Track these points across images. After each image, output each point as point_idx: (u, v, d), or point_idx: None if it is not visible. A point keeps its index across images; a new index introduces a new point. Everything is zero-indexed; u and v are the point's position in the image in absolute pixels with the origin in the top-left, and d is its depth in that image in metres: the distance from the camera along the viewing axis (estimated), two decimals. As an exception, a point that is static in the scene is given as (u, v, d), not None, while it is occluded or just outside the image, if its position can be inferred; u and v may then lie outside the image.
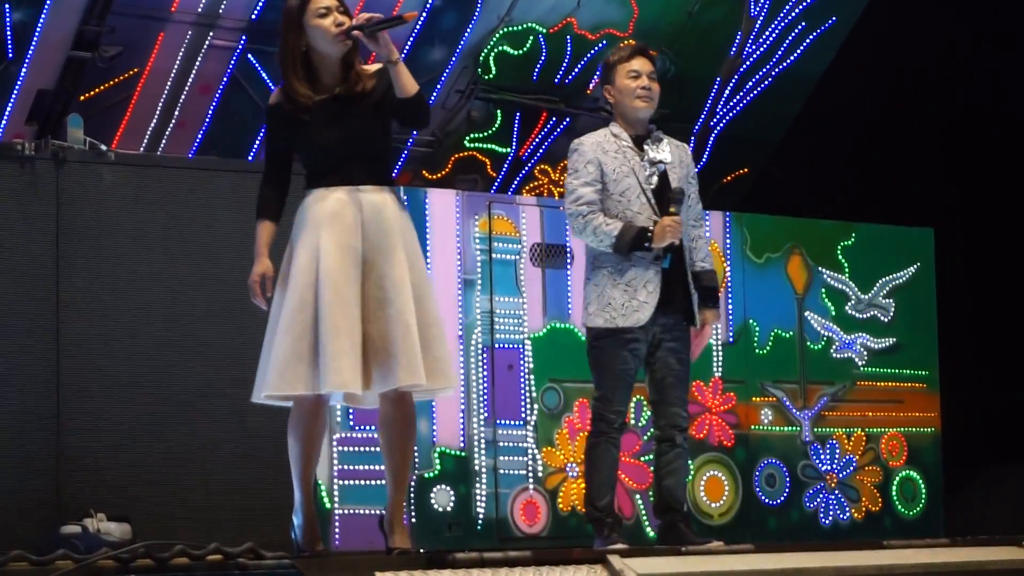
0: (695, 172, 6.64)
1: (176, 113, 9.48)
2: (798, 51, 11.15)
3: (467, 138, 10.50)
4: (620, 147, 6.43)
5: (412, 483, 8.10)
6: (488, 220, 8.76)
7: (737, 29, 10.98)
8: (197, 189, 7.18)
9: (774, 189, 11.06)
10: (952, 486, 9.94)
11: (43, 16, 8.84)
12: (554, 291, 8.82)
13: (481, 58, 10.33)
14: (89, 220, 6.97)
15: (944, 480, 9.90)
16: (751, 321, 9.43)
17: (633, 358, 6.36)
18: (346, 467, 8.17)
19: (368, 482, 8.15)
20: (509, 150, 10.62)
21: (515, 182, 10.67)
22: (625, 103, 6.47)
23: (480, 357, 8.59)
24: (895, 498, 9.75)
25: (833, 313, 9.70)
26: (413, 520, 8.24)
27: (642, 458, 8.87)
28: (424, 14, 9.82)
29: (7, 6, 8.75)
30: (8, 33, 8.79)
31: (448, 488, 8.48)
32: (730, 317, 9.37)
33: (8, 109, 8.91)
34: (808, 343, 9.60)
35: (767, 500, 9.35)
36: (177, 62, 9.39)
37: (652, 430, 6.61)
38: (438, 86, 10.15)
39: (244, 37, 9.53)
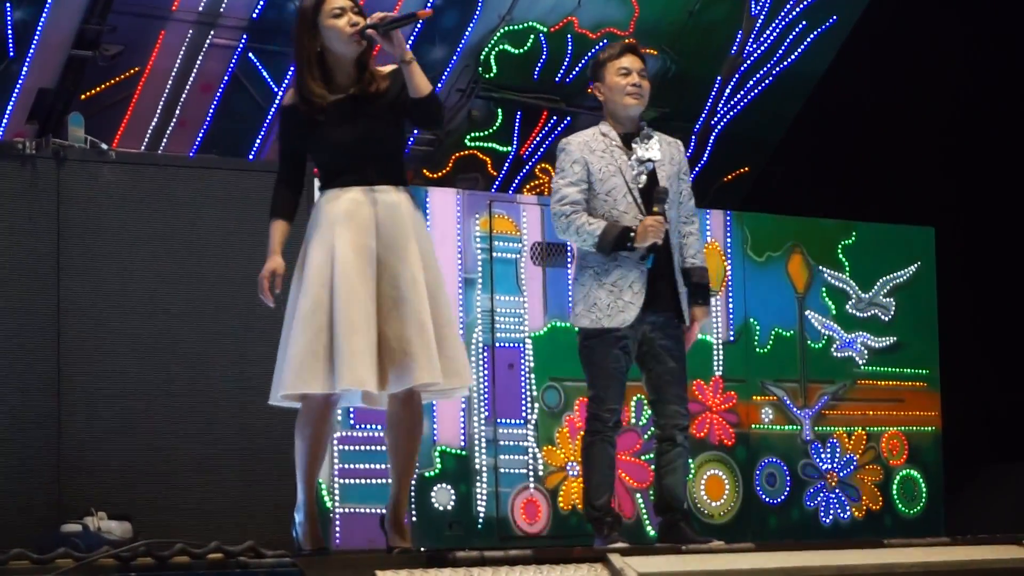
0: (688, 168, 6.61)
1: (177, 112, 9.48)
2: (799, 50, 11.15)
3: (468, 137, 10.50)
4: (608, 146, 6.42)
5: (413, 482, 8.11)
6: (489, 219, 8.77)
7: (738, 28, 10.98)
8: (198, 188, 7.17)
9: (775, 188, 11.06)
10: (953, 485, 9.95)
11: (44, 15, 8.85)
12: (555, 290, 8.83)
13: (482, 57, 10.33)
14: (90, 219, 6.96)
15: (945, 479, 9.91)
16: (752, 320, 9.43)
17: (624, 355, 6.35)
18: (347, 466, 8.18)
19: (369, 481, 8.16)
20: (510, 149, 10.62)
21: (516, 181, 10.67)
22: (615, 100, 6.46)
23: (481, 356, 8.60)
24: (896, 497, 9.75)
25: (834, 312, 9.71)
26: (414, 519, 8.25)
27: (642, 457, 8.88)
28: (422, 11, 9.81)
29: (8, 5, 8.75)
30: (9, 32, 8.80)
31: (449, 487, 8.49)
32: (731, 316, 9.37)
33: (9, 108, 8.92)
34: (809, 342, 9.61)
35: (768, 499, 9.36)
36: (178, 61, 9.39)
37: (652, 429, 6.62)
38: (439, 85, 10.15)
39: (245, 36, 9.53)
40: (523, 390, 8.73)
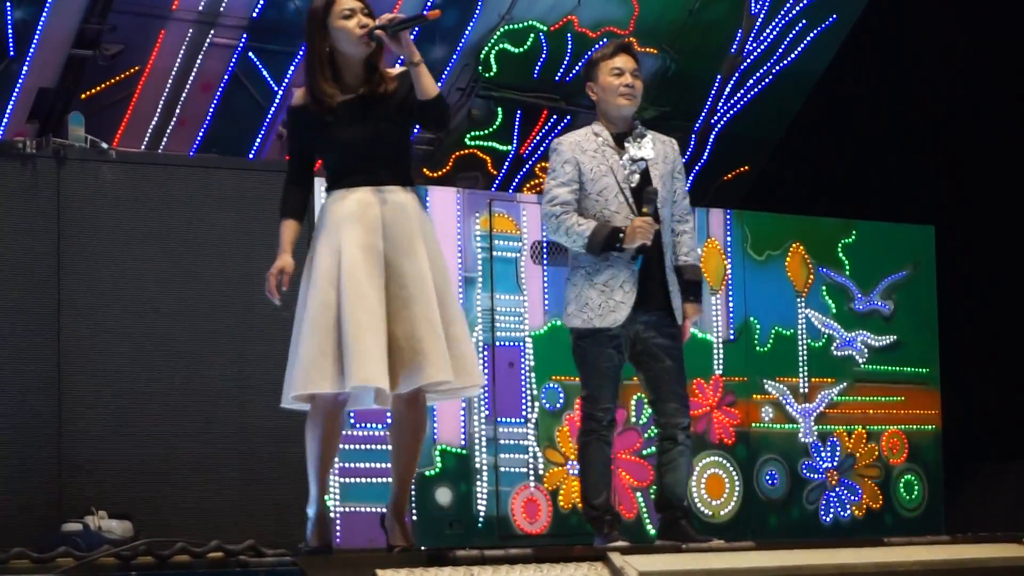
0: (682, 167, 6.59)
1: (177, 111, 9.48)
2: (799, 49, 11.15)
3: (468, 136, 10.50)
4: (599, 146, 6.42)
5: (413, 481, 8.10)
6: (489, 218, 8.77)
7: (738, 27, 10.98)
8: (198, 187, 7.17)
9: (775, 187, 11.06)
10: (953, 483, 9.95)
11: (44, 14, 8.85)
12: (555, 289, 8.82)
13: (482, 56, 10.33)
14: (90, 218, 6.97)
15: (945, 477, 9.91)
16: (752, 319, 9.43)
17: (617, 354, 6.35)
18: (347, 465, 8.17)
19: (369, 480, 8.15)
20: (510, 148, 10.62)
21: (516, 180, 10.67)
22: (608, 101, 6.46)
23: (481, 355, 8.59)
24: (896, 495, 9.75)
25: (834, 311, 9.71)
26: (414, 518, 8.25)
27: (643, 455, 8.87)
28: (425, 12, 9.82)
29: (8, 4, 8.75)
30: (9, 31, 8.80)
31: (449, 486, 8.49)
32: (731, 315, 9.37)
33: (9, 107, 8.92)
34: (809, 341, 9.60)
35: (768, 498, 9.36)
36: (178, 60, 9.40)
37: (653, 428, 6.62)
38: (439, 84, 10.15)
39: (245, 35, 9.53)
40: (523, 389, 8.73)
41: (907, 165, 10.64)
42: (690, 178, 11.09)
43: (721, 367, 9.29)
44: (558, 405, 8.78)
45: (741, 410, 9.31)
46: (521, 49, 10.42)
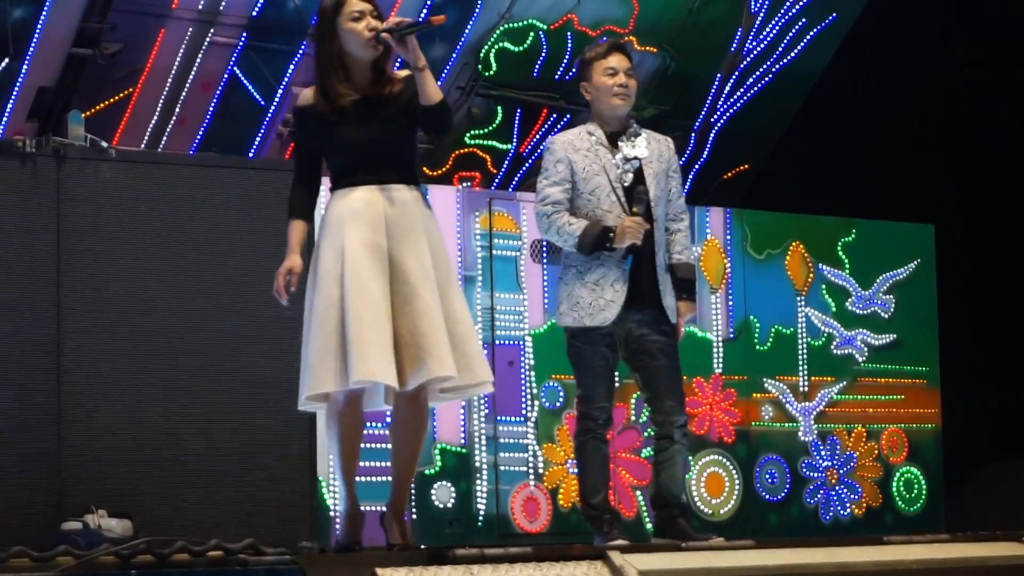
0: (678, 166, 6.57)
1: (177, 110, 9.49)
2: (799, 47, 11.15)
3: (468, 135, 10.51)
4: (592, 145, 6.41)
5: (413, 480, 8.11)
6: (489, 216, 8.77)
7: (738, 25, 10.98)
8: (198, 186, 7.17)
9: (775, 185, 11.06)
10: (953, 482, 9.95)
11: (44, 13, 8.85)
12: (554, 288, 8.80)
13: (482, 55, 10.33)
14: (90, 217, 6.96)
15: (945, 476, 9.91)
16: (752, 317, 9.43)
17: (610, 352, 6.34)
18: (347, 464, 8.16)
19: (369, 479, 8.15)
20: (510, 147, 10.63)
21: (516, 179, 10.67)
22: (601, 100, 6.44)
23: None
24: (896, 494, 9.75)
25: (834, 309, 9.71)
26: (414, 516, 8.25)
27: (642, 454, 8.88)
28: (425, 11, 9.82)
29: (8, 3, 8.75)
30: (9, 31, 8.80)
31: (449, 484, 8.49)
32: (731, 314, 9.37)
33: (9, 106, 8.92)
34: (809, 339, 9.61)
35: (768, 496, 9.36)
36: (178, 59, 9.40)
37: (652, 428, 6.62)
38: (439, 83, 10.15)
39: (245, 34, 9.53)
40: (523, 388, 8.73)
41: (907, 164, 10.64)
42: (690, 177, 11.12)
43: (721, 366, 9.29)
44: (558, 404, 8.79)
45: (741, 409, 9.31)
46: (521, 48, 10.42)
